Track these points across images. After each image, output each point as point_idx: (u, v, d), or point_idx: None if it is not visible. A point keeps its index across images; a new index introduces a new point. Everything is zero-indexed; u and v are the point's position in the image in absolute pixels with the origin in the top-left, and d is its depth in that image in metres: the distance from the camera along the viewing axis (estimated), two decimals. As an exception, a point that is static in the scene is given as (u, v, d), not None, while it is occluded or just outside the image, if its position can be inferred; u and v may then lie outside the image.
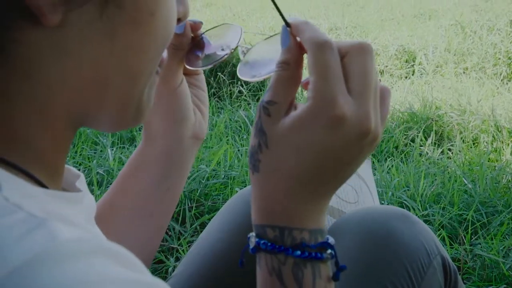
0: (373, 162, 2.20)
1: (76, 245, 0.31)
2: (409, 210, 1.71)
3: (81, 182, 0.52)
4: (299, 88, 0.49)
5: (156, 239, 0.73)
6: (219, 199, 1.73)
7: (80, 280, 0.29)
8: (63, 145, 0.43)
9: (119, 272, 0.31)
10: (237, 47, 0.61)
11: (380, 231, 0.75)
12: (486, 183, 1.91)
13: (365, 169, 0.96)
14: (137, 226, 0.71)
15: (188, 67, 0.66)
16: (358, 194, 0.93)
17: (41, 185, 0.39)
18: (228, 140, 2.32)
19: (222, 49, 0.63)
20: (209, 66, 0.64)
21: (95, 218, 0.52)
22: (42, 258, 0.29)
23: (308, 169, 0.46)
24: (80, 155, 2.01)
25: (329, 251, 0.49)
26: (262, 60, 0.55)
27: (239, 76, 0.56)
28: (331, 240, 0.50)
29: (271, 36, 0.55)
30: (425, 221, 1.68)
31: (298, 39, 0.49)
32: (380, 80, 0.52)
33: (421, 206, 1.74)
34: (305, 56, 0.48)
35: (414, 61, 3.98)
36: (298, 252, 0.48)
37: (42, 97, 0.38)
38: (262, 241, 0.49)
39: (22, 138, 0.39)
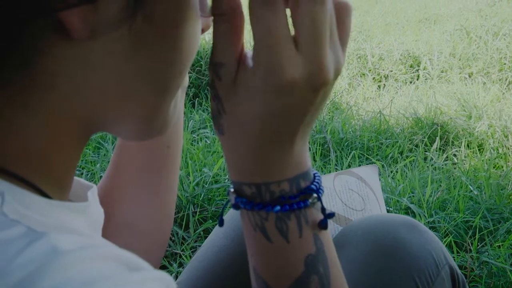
0: (379, 168, 2.19)
1: (77, 254, 0.31)
2: (415, 216, 1.69)
3: (93, 193, 0.51)
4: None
5: (170, 197, 0.71)
6: (222, 204, 1.72)
7: (84, 283, 0.29)
8: (74, 155, 0.42)
9: (123, 274, 0.32)
10: None
11: (387, 240, 0.74)
12: (492, 189, 1.89)
13: (371, 176, 0.95)
14: (145, 186, 0.69)
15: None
16: (365, 201, 0.92)
17: (46, 195, 0.39)
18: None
19: None
20: None
21: (104, 198, 0.50)
22: (44, 270, 0.29)
23: (269, 131, 0.44)
24: (84, 159, 2.00)
25: (314, 195, 0.47)
26: None
27: None
28: (318, 179, 0.48)
29: None
30: (431, 228, 1.66)
31: None
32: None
33: (427, 212, 1.73)
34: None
35: (418, 66, 3.97)
36: (278, 208, 0.46)
37: (62, 109, 0.38)
38: (240, 200, 0.48)
39: (35, 149, 0.38)
